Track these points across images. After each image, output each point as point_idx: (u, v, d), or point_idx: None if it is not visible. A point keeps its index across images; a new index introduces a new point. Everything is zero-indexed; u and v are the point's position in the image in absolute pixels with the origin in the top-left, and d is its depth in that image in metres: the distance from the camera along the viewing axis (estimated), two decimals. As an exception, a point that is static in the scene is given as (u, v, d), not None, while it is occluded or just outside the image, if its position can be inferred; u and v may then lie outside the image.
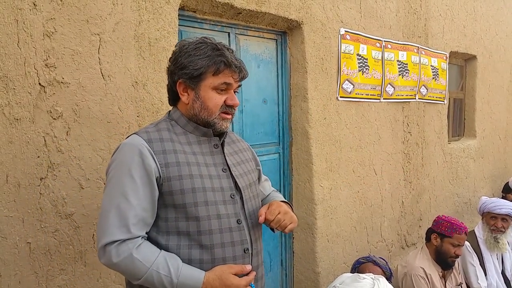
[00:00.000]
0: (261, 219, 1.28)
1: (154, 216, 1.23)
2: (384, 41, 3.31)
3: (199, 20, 2.23)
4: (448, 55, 4.20)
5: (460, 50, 4.39)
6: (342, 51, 2.91)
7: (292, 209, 1.43)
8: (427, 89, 3.90)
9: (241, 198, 1.32)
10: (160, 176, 1.20)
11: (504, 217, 3.01)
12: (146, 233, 1.22)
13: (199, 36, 1.32)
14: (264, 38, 2.61)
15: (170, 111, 1.37)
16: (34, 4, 1.52)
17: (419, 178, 3.87)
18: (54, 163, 1.60)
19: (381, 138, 3.35)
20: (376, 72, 3.22)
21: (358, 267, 2.41)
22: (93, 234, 1.71)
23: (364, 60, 3.11)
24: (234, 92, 1.32)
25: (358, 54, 3.05)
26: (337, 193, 2.93)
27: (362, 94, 3.12)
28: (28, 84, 1.52)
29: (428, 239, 2.70)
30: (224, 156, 1.33)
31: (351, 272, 2.34)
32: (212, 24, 2.30)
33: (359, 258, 2.48)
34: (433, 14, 3.91)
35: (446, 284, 2.65)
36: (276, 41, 2.69)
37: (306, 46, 2.66)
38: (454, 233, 2.57)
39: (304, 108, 2.70)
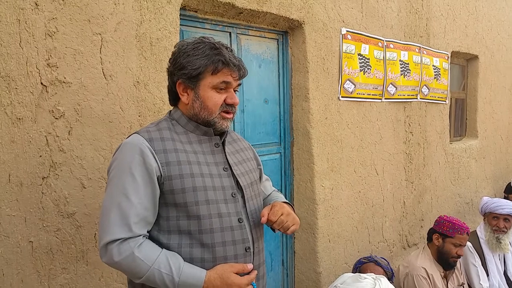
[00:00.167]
0: (264, 219, 1.28)
1: (156, 215, 1.23)
2: (386, 41, 3.30)
3: (200, 20, 2.24)
4: (449, 55, 4.19)
5: (462, 50, 4.38)
6: (344, 50, 2.91)
7: (293, 210, 1.43)
8: (428, 89, 3.90)
9: (243, 197, 1.32)
10: (161, 175, 1.21)
11: (506, 217, 3.00)
12: (148, 232, 1.22)
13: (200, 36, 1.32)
14: (266, 37, 2.61)
15: (171, 110, 1.37)
16: (36, 4, 1.52)
17: (420, 178, 3.86)
18: (56, 163, 1.60)
19: (382, 138, 3.35)
20: (378, 72, 3.22)
21: (359, 267, 2.41)
22: (95, 234, 1.72)
23: (366, 59, 3.11)
24: (234, 91, 1.32)
25: (359, 54, 3.05)
26: (338, 193, 2.93)
27: (363, 94, 3.12)
28: (30, 84, 1.53)
29: (429, 239, 2.70)
30: (225, 155, 1.34)
31: (352, 272, 2.34)
32: (214, 24, 2.31)
33: (361, 258, 2.48)
34: (435, 14, 3.91)
35: (448, 284, 2.65)
36: (278, 41, 2.69)
37: (308, 46, 2.66)
38: (456, 233, 2.57)
39: (305, 108, 2.70)
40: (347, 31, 2.93)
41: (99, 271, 1.74)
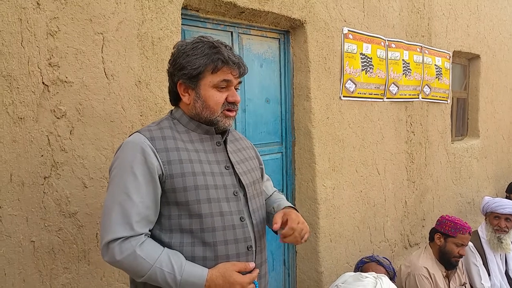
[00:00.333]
0: (277, 226, 1.27)
1: (157, 214, 1.23)
2: (388, 40, 3.30)
3: (202, 19, 2.23)
4: (451, 55, 4.19)
5: (463, 49, 4.37)
6: (345, 50, 2.90)
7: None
8: (430, 88, 3.89)
9: (245, 195, 1.32)
10: (162, 173, 1.20)
11: (508, 217, 3.00)
12: (150, 231, 1.22)
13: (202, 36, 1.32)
14: (267, 37, 2.61)
15: (172, 110, 1.37)
16: (38, 3, 1.52)
17: (422, 178, 3.86)
18: (57, 162, 1.60)
19: (384, 137, 3.34)
20: (380, 71, 3.21)
21: (361, 267, 2.41)
22: (97, 233, 1.72)
23: (368, 59, 3.10)
24: (236, 89, 1.32)
25: (361, 53, 3.05)
26: (340, 192, 2.92)
27: (365, 94, 3.11)
28: (31, 83, 1.52)
29: (431, 239, 2.69)
30: (227, 153, 1.33)
31: (354, 272, 2.34)
32: (215, 23, 2.30)
33: (363, 258, 2.48)
34: (437, 14, 3.90)
35: (450, 284, 2.64)
36: (279, 40, 2.69)
37: (309, 45, 2.66)
38: (457, 233, 2.56)
39: (307, 107, 2.70)
40: (348, 30, 2.92)
41: (100, 270, 1.74)
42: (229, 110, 1.30)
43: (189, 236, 1.22)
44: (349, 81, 2.96)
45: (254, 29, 2.51)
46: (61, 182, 1.61)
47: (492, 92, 5.02)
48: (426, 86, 3.82)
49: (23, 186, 1.52)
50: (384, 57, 3.26)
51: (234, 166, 1.32)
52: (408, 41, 3.55)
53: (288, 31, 2.70)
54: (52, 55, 1.57)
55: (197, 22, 2.22)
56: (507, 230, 3.00)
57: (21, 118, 1.51)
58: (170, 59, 1.32)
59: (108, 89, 1.73)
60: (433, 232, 2.70)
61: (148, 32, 1.85)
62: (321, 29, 2.73)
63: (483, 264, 2.99)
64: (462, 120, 4.88)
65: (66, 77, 1.61)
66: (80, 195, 1.67)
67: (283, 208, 1.41)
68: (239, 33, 2.43)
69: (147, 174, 1.19)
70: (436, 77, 3.97)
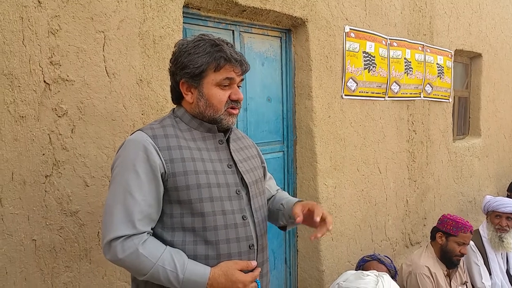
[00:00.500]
0: (300, 219, 1.27)
1: (159, 212, 1.23)
2: (389, 39, 3.29)
3: (203, 18, 2.23)
4: (453, 53, 4.17)
5: (465, 48, 4.36)
6: (347, 48, 2.90)
7: None
8: (432, 87, 3.88)
9: (247, 194, 1.32)
10: (165, 172, 1.20)
11: (509, 216, 2.99)
12: (152, 229, 1.22)
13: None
14: (269, 35, 2.60)
15: (174, 108, 1.37)
16: (39, 2, 1.52)
17: (423, 176, 3.85)
18: (59, 161, 1.60)
19: (385, 136, 3.33)
20: (382, 70, 3.21)
21: (363, 265, 2.41)
22: (98, 232, 1.71)
23: (371, 57, 3.10)
24: (238, 86, 1.31)
25: (364, 52, 3.04)
26: (341, 191, 2.92)
27: (367, 92, 3.11)
28: (33, 82, 1.52)
29: (433, 237, 2.69)
30: (230, 152, 1.33)
31: (355, 270, 2.33)
32: (217, 22, 2.30)
33: (364, 256, 2.47)
34: (438, 12, 3.89)
35: (451, 282, 2.64)
36: (281, 39, 2.68)
37: (311, 43, 2.65)
38: (459, 232, 2.56)
39: (308, 106, 2.70)
40: (350, 29, 2.92)
41: (102, 269, 1.74)
42: (232, 108, 1.29)
43: (191, 235, 1.21)
44: (350, 80, 2.95)
45: (255, 28, 2.51)
46: (62, 181, 1.61)
47: (493, 91, 5.01)
48: (427, 85, 3.81)
49: (24, 185, 1.52)
50: (386, 56, 3.25)
51: (237, 165, 1.32)
52: (410, 39, 3.54)
53: (289, 29, 2.69)
54: (53, 53, 1.56)
55: (198, 21, 2.22)
56: (508, 229, 2.99)
57: (22, 116, 1.50)
58: (171, 58, 1.32)
59: (110, 88, 1.73)
60: (434, 231, 2.69)
61: (150, 30, 1.85)
62: (322, 28, 2.72)
63: (484, 263, 2.99)
64: (464, 119, 4.87)
65: (68, 76, 1.61)
66: (82, 194, 1.66)
67: (298, 202, 1.40)
68: (240, 31, 2.42)
69: (150, 172, 1.19)
70: (438, 76, 3.96)
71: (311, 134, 2.70)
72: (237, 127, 2.37)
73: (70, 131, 1.62)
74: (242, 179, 1.31)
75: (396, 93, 3.41)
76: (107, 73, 1.72)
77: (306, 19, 2.61)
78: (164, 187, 1.21)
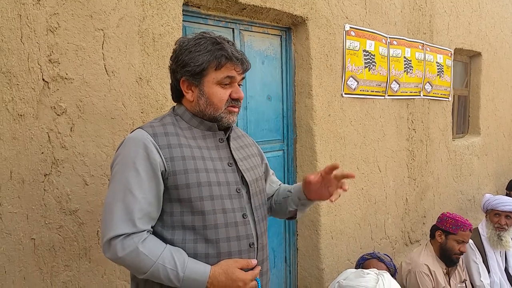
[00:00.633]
0: (314, 178, 1.32)
1: (160, 211, 1.22)
2: (389, 37, 3.28)
3: (203, 16, 2.22)
4: (453, 52, 4.17)
5: (465, 47, 4.36)
6: (347, 47, 2.89)
7: None
8: (431, 86, 3.88)
9: (247, 192, 1.31)
10: (165, 170, 1.19)
11: (508, 214, 3.00)
12: (152, 227, 1.21)
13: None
14: (269, 34, 2.59)
15: (174, 106, 1.36)
16: (38, -1, 1.51)
17: (423, 175, 3.85)
18: (58, 159, 1.59)
19: (385, 135, 3.33)
20: (382, 68, 3.20)
21: (362, 264, 2.41)
22: (98, 231, 1.71)
23: (372, 56, 3.09)
24: (239, 85, 1.31)
25: (364, 50, 3.03)
26: (341, 190, 2.91)
27: (367, 91, 3.10)
28: (31, 80, 1.51)
29: (432, 236, 2.69)
30: (230, 150, 1.33)
31: (355, 269, 2.33)
32: (217, 20, 2.29)
33: (364, 255, 2.47)
34: (438, 11, 3.88)
35: (450, 281, 2.64)
36: (281, 37, 2.67)
37: (311, 42, 2.64)
38: (458, 230, 2.56)
39: (308, 104, 2.69)
40: (350, 27, 2.91)
41: (102, 268, 1.73)
42: (232, 106, 1.29)
43: (192, 233, 1.21)
44: (350, 78, 2.94)
45: (255, 26, 2.50)
46: (61, 180, 1.60)
47: (493, 90, 5.01)
48: (427, 84, 3.81)
49: (23, 184, 1.51)
50: (385, 54, 3.24)
51: (237, 163, 1.31)
52: (410, 38, 3.53)
53: (289, 28, 2.68)
54: (52, 51, 1.55)
55: (198, 19, 2.21)
56: (507, 227, 2.99)
57: (21, 115, 1.49)
58: (172, 56, 1.31)
59: (109, 86, 1.72)
60: (434, 229, 2.70)
61: (149, 28, 1.84)
62: (323, 26, 2.71)
63: (483, 261, 2.99)
64: (463, 118, 4.87)
65: (67, 74, 1.60)
66: (81, 193, 1.66)
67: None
68: (240, 30, 2.41)
69: (150, 170, 1.18)
70: (438, 75, 3.96)
71: (311, 133, 2.70)
72: (237, 126, 2.36)
73: (69, 130, 1.62)
74: (242, 177, 1.31)
75: (396, 91, 3.41)
76: (106, 71, 1.71)
77: (306, 17, 2.60)
78: (164, 185, 1.21)
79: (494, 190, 5.13)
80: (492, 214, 3.05)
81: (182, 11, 2.00)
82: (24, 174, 1.52)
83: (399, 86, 3.43)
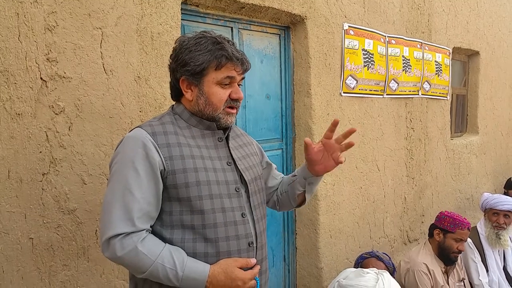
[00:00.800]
0: (315, 144, 1.37)
1: (159, 210, 1.22)
2: (388, 36, 3.28)
3: (202, 15, 2.21)
4: (451, 51, 4.17)
5: (463, 46, 4.36)
6: (346, 46, 2.89)
7: None
8: (430, 85, 3.88)
9: (246, 191, 1.31)
10: (164, 169, 1.19)
11: (506, 213, 3.00)
12: (151, 227, 1.21)
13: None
14: (267, 33, 2.59)
15: (173, 105, 1.36)
16: (36, -3, 1.50)
17: (421, 174, 3.86)
18: (56, 159, 1.59)
19: (384, 134, 3.33)
20: (380, 67, 3.20)
21: (361, 263, 2.41)
22: (96, 230, 1.70)
23: (370, 55, 3.09)
24: (238, 85, 1.30)
25: (363, 49, 3.03)
26: (340, 189, 2.92)
27: (366, 90, 3.10)
28: (29, 79, 1.50)
29: (431, 234, 2.69)
30: (229, 149, 1.32)
31: (354, 268, 2.33)
32: (215, 19, 2.28)
33: (362, 254, 2.47)
34: (437, 10, 3.89)
35: (449, 279, 2.65)
36: (280, 36, 2.67)
37: (310, 41, 2.64)
38: (457, 229, 2.56)
39: (307, 103, 2.69)
40: (349, 26, 2.91)
41: (100, 267, 1.73)
42: (230, 107, 1.28)
43: (191, 232, 1.21)
44: (349, 77, 2.94)
45: (254, 25, 2.49)
46: (59, 179, 1.60)
47: (491, 89, 5.02)
48: (426, 83, 3.81)
49: (21, 183, 1.51)
50: (384, 53, 3.24)
51: (236, 162, 1.31)
52: (408, 37, 3.54)
53: (288, 26, 2.68)
54: (50, 50, 1.55)
55: (197, 17, 2.20)
56: (506, 226, 3.00)
57: (19, 114, 1.49)
58: (171, 54, 1.30)
59: (107, 85, 1.71)
60: (432, 228, 2.70)
61: (148, 27, 1.83)
62: (321, 25, 2.71)
63: (482, 260, 3.00)
64: (462, 117, 4.88)
65: (65, 73, 1.59)
66: (79, 192, 1.65)
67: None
68: (239, 28, 2.41)
69: (149, 169, 1.18)
70: (436, 74, 3.96)
71: (310, 132, 2.69)
72: (236, 125, 2.36)
73: (67, 129, 1.61)
74: (241, 176, 1.31)
75: (394, 90, 3.41)
76: (104, 70, 1.70)
77: (305, 16, 2.60)
78: (164, 184, 1.20)
79: (492, 189, 5.14)
80: (491, 213, 3.05)
81: (181, 9, 1.99)
82: (22, 173, 1.51)
83: (398, 85, 3.43)
